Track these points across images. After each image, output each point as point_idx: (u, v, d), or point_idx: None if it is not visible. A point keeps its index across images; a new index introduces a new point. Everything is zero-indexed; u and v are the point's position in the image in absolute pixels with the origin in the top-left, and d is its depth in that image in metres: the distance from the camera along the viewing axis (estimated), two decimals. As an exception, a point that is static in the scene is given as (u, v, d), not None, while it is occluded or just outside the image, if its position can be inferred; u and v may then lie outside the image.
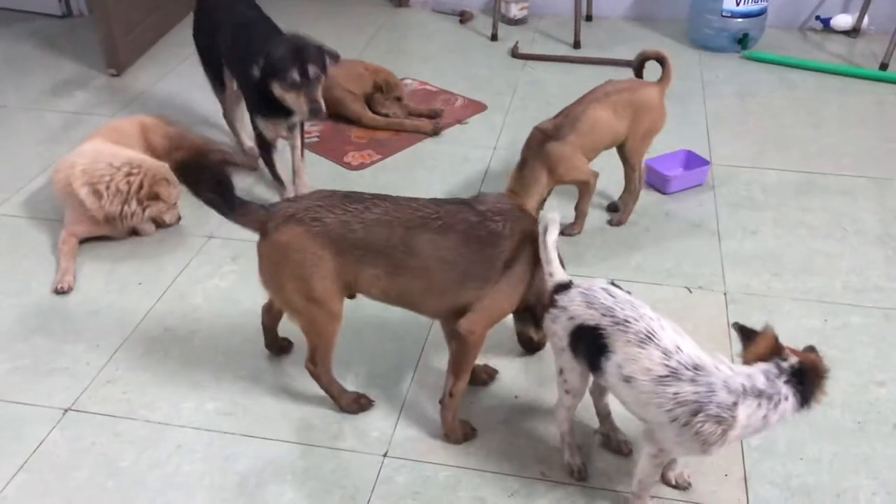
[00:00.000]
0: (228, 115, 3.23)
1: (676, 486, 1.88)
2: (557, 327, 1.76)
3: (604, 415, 1.99)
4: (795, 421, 2.01)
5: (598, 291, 1.71)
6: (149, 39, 4.25)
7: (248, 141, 3.17)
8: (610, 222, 2.83)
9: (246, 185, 3.10)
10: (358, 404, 2.08)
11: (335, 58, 2.63)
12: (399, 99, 3.51)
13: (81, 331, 2.39)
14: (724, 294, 2.49)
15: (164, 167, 2.73)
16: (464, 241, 1.82)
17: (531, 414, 2.09)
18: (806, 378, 1.56)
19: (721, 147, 3.28)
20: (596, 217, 2.83)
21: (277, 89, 2.55)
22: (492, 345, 2.20)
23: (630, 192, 2.79)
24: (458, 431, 2.00)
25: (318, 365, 2.00)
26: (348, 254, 1.81)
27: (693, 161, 3.05)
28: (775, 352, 1.61)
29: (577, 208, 2.74)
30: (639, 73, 2.75)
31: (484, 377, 2.17)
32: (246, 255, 2.66)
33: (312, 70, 2.52)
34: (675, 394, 1.56)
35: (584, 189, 2.68)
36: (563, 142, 2.52)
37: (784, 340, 2.25)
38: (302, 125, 2.88)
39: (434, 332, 2.32)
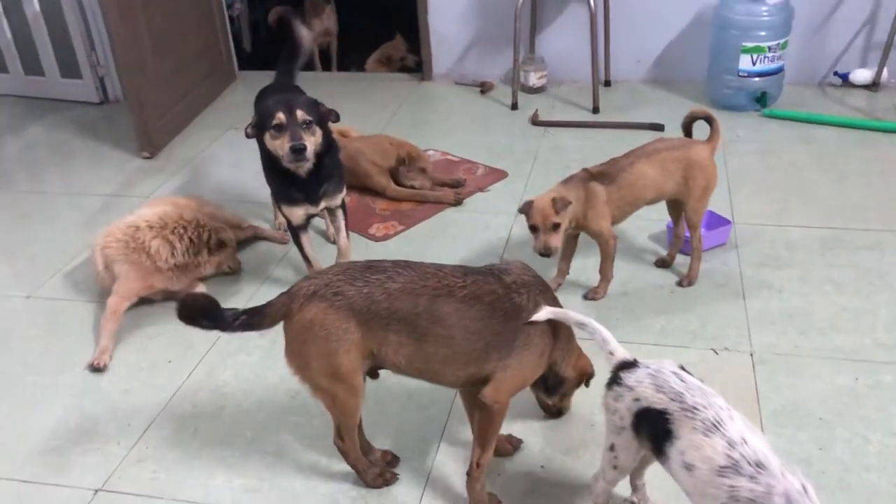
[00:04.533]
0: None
1: None
2: (620, 406, 1.72)
3: (638, 485, 1.96)
4: (831, 487, 1.98)
5: (668, 375, 1.67)
6: (181, 122, 4.42)
7: (281, 216, 3.25)
8: (680, 284, 2.83)
9: (276, 257, 3.18)
10: (383, 479, 2.09)
11: (334, 116, 2.64)
12: (424, 170, 3.58)
13: (113, 410, 2.44)
14: (751, 355, 2.46)
15: (216, 220, 3.03)
16: (489, 312, 1.84)
17: (558, 485, 2.07)
18: None
19: (743, 206, 3.29)
20: (618, 281, 2.84)
21: (268, 139, 2.56)
22: (515, 415, 2.20)
23: (693, 250, 2.80)
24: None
25: (345, 440, 2.01)
26: (373, 323, 1.83)
27: (715, 221, 3.06)
28: None
29: (600, 271, 2.76)
30: (688, 133, 2.80)
31: (508, 448, 2.16)
32: (272, 330, 2.70)
33: (300, 113, 2.52)
34: (731, 487, 1.48)
35: (605, 248, 2.71)
36: (603, 187, 2.60)
37: (814, 402, 2.25)
38: (344, 207, 2.87)
39: (458, 403, 2.32)
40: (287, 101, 2.56)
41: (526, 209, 2.53)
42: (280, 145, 2.54)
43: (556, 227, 2.49)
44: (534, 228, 2.52)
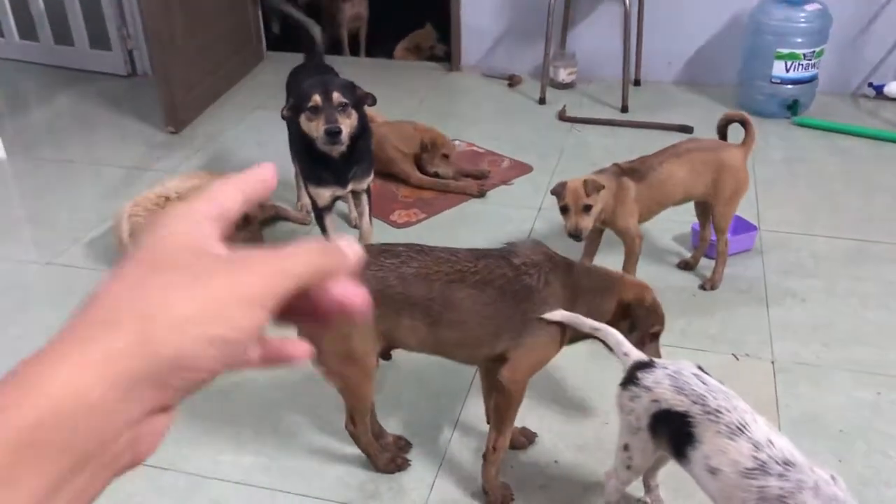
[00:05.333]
0: (298, 178, 3.31)
1: None
2: (637, 406, 1.69)
3: (652, 486, 1.94)
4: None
5: (688, 376, 1.64)
6: (208, 99, 4.42)
7: (304, 198, 3.25)
8: (703, 287, 2.79)
9: (297, 237, 3.17)
10: (395, 464, 2.07)
11: (371, 99, 2.62)
12: (447, 157, 3.56)
13: (127, 380, 2.44)
14: (772, 362, 2.43)
15: None
16: (500, 295, 1.82)
17: (571, 480, 2.05)
18: None
19: (770, 213, 3.24)
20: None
21: (304, 121, 2.54)
22: (529, 408, 2.18)
23: (719, 254, 2.77)
24: (498, 491, 1.97)
25: (357, 425, 2.00)
26: (386, 307, 1.82)
27: (741, 226, 3.02)
28: None
29: (623, 271, 2.72)
30: (723, 136, 2.76)
31: (522, 440, 2.14)
32: (290, 309, 2.70)
33: (336, 95, 2.51)
34: (761, 487, 1.46)
35: (630, 246, 2.67)
36: (633, 184, 2.56)
37: (834, 414, 2.21)
38: (369, 192, 2.86)
39: (474, 390, 2.31)
40: (324, 84, 2.54)
41: (558, 189, 2.50)
42: (315, 127, 2.52)
43: (587, 208, 2.46)
44: (564, 209, 2.49)
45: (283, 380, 2.42)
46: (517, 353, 1.85)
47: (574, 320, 1.83)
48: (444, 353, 1.92)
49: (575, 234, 2.49)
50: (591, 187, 2.45)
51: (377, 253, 1.86)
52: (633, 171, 2.59)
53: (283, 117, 2.62)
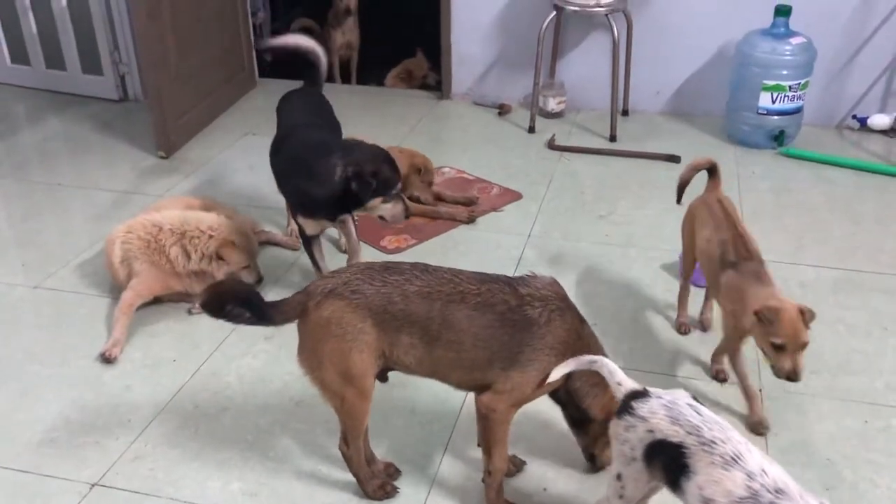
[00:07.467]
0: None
1: None
2: (631, 436, 1.69)
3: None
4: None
5: (683, 407, 1.64)
6: (199, 124, 4.43)
7: (294, 223, 3.25)
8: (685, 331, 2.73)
9: (287, 262, 3.17)
10: (383, 491, 2.06)
11: None
12: (431, 184, 3.59)
13: (114, 405, 2.42)
14: (760, 390, 2.44)
15: (235, 230, 2.92)
16: (499, 322, 1.82)
17: (559, 508, 2.05)
18: None
19: (757, 242, 3.26)
20: (630, 309, 2.82)
21: (378, 201, 2.63)
22: (519, 435, 2.18)
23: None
24: None
25: (350, 446, 1.99)
26: (387, 324, 1.83)
27: (728, 255, 3.03)
28: None
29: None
30: (681, 194, 2.64)
31: (511, 468, 2.13)
32: (279, 335, 2.68)
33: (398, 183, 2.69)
34: None
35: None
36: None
37: (822, 442, 2.22)
38: (353, 216, 2.91)
39: (464, 417, 2.31)
40: (397, 170, 2.69)
41: (771, 318, 2.05)
42: (390, 210, 2.66)
43: (804, 346, 2.07)
44: (779, 347, 2.06)
45: (270, 405, 2.40)
46: (500, 384, 1.84)
47: (572, 364, 1.84)
48: (439, 375, 1.92)
49: (793, 379, 2.07)
50: (810, 319, 2.06)
51: (382, 269, 1.88)
52: (753, 254, 2.39)
53: (372, 194, 2.63)
